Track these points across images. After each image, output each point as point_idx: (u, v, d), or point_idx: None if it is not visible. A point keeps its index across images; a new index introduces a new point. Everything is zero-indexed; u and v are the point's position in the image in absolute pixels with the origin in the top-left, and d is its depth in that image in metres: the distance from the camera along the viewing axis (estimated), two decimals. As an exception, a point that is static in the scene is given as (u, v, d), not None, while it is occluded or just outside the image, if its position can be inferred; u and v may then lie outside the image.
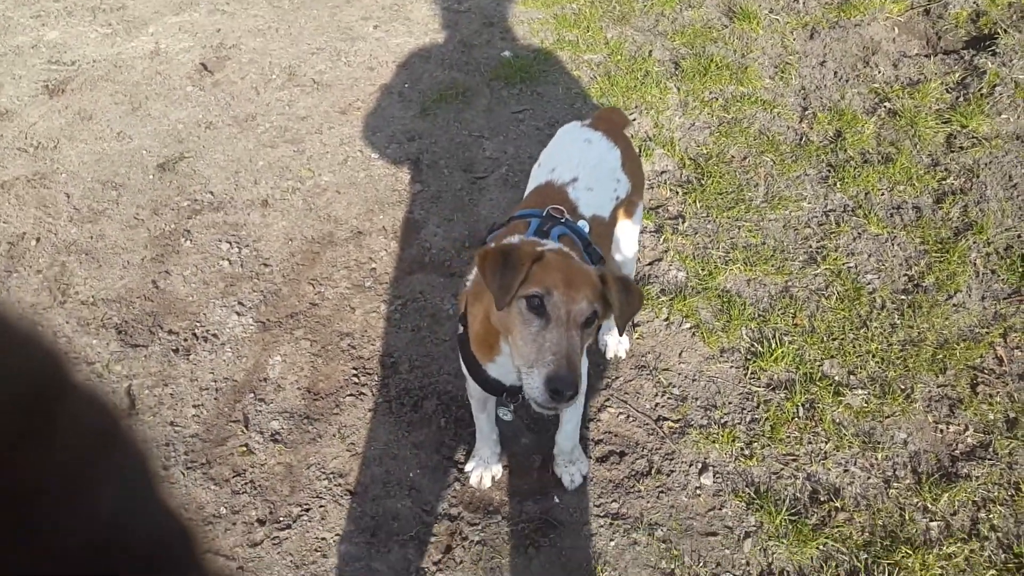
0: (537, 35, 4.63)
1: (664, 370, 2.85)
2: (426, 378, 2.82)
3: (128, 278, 3.23)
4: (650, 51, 4.41)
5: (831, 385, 2.77)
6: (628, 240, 2.63)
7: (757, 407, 2.74)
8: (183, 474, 2.59)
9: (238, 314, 3.06)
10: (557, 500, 2.48)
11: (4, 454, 0.37)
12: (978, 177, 3.46)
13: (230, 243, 3.35)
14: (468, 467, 2.56)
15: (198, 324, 3.03)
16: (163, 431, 2.70)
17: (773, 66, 4.25)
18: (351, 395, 2.78)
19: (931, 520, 2.43)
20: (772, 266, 3.18)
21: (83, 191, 3.66)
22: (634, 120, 3.93)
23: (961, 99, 3.88)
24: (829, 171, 3.60)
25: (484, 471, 2.53)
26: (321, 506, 2.50)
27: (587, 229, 2.15)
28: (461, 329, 2.09)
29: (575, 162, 2.41)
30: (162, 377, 2.86)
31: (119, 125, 4.05)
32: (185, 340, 2.98)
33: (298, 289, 3.16)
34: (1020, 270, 3.08)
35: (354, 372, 2.85)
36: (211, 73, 4.42)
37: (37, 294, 3.18)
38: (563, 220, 2.12)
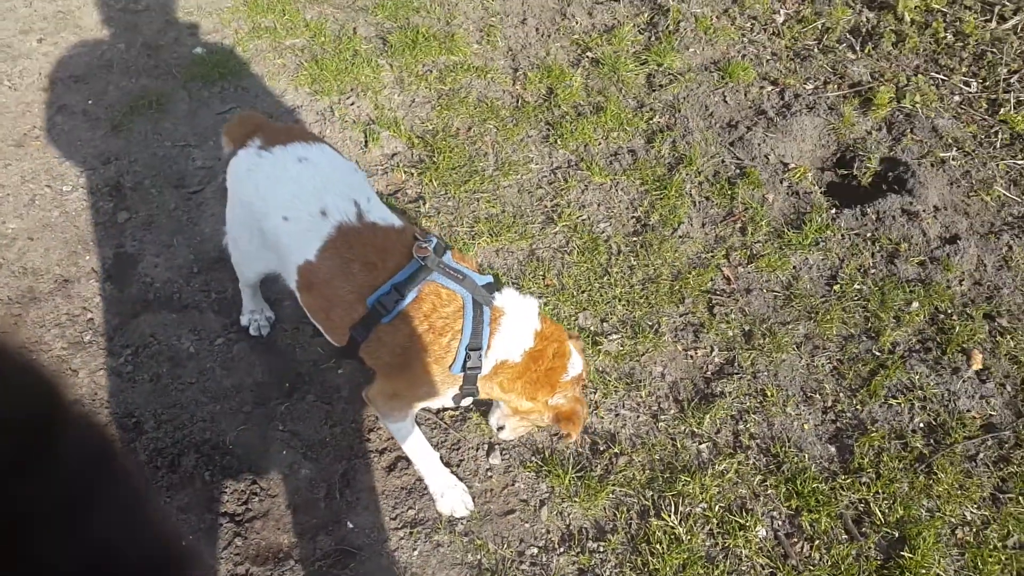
0: (229, 25, 4.27)
1: (432, 360, 2.79)
2: (178, 431, 2.53)
3: None
4: (354, 29, 4.24)
5: (589, 336, 2.88)
6: None
7: (528, 375, 2.78)
8: None
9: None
10: (351, 525, 2.36)
11: (3, 480, 0.38)
12: (680, 112, 3.74)
13: (-103, 326, 2.77)
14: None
15: None
16: None
17: (478, 30, 4.27)
18: (93, 473, 2.43)
19: (700, 443, 2.62)
20: (515, 232, 3.23)
21: None
22: (352, 104, 3.78)
23: (653, 39, 4.15)
24: (549, 129, 3.70)
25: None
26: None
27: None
28: None
29: (332, 187, 2.10)
30: None
31: None
32: None
33: (0, 364, 2.68)
34: (729, 193, 3.38)
35: (91, 445, 2.49)
36: None
37: None
38: (439, 247, 2.12)
